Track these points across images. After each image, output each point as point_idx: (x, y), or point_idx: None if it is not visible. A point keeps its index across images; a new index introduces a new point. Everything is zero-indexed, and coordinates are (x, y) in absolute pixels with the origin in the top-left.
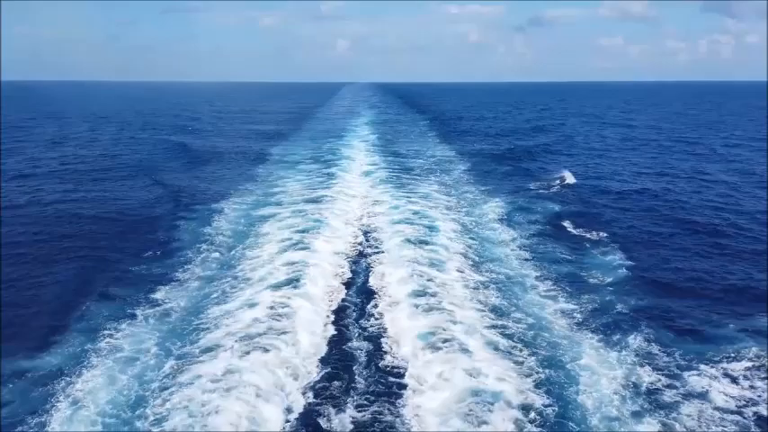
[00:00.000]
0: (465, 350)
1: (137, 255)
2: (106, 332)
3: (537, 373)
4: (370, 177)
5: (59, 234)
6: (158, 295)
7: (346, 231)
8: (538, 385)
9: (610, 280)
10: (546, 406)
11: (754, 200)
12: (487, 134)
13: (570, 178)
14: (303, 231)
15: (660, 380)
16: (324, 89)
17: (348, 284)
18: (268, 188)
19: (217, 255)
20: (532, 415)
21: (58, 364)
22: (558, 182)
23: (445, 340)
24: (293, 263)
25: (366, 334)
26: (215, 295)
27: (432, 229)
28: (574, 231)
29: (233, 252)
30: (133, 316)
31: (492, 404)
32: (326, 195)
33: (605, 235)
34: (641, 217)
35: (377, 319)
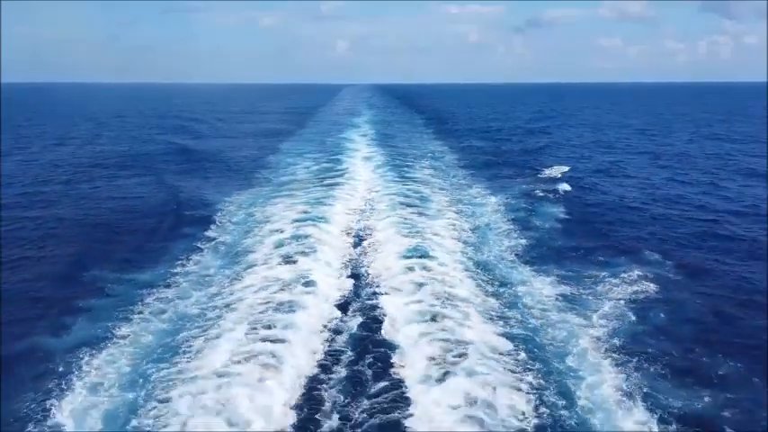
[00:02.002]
0: (441, 264)
1: (176, 222)
2: (176, 266)
3: (494, 287)
4: (373, 164)
5: (117, 212)
6: (211, 233)
7: (353, 199)
8: (493, 294)
9: (549, 225)
10: (497, 304)
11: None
12: (479, 131)
13: (549, 168)
14: (317, 199)
15: (578, 290)
16: (323, 91)
17: (355, 229)
18: (280, 174)
19: (245, 212)
20: (488, 306)
21: (140, 283)
22: (536, 171)
23: (423, 255)
24: (311, 212)
25: (368, 261)
26: (251, 235)
27: (424, 198)
28: (538, 198)
29: (259, 211)
30: (199, 249)
31: (458, 304)
32: (335, 178)
33: (562, 205)
34: (594, 190)
35: (376, 249)
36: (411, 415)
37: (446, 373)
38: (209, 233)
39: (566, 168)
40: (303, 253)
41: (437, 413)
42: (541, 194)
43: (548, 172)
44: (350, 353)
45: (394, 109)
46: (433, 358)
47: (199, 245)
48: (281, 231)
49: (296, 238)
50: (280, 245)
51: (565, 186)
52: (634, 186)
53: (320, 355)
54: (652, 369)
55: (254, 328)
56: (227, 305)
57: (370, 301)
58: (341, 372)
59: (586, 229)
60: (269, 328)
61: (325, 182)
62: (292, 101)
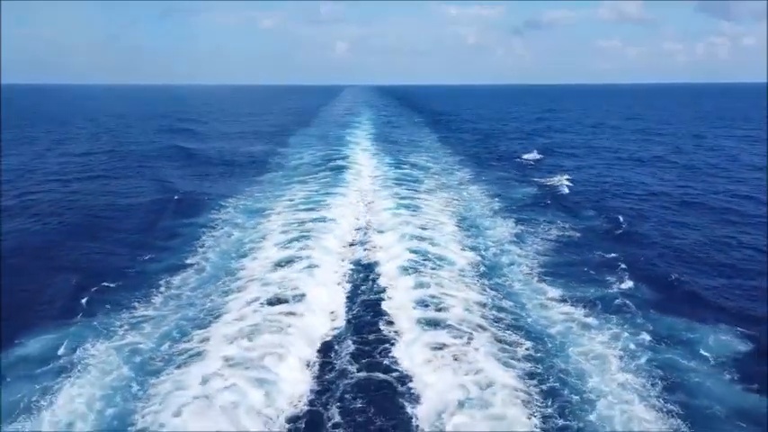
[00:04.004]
0: (428, 213)
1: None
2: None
3: (468, 228)
4: (374, 154)
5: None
6: (234, 205)
7: (357, 181)
8: (467, 234)
9: (519, 194)
10: (468, 235)
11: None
12: (473, 128)
13: (529, 155)
14: (326, 182)
15: (527, 230)
16: (324, 92)
17: (361, 199)
18: (290, 161)
19: (261, 191)
20: (461, 237)
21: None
22: (521, 158)
23: (413, 209)
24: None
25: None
26: (271, 203)
27: (418, 180)
28: (515, 178)
29: (279, 190)
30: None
31: (436, 234)
32: (337, 161)
33: (534, 183)
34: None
35: (375, 209)
36: (389, 300)
37: (416, 272)
38: (234, 204)
39: (541, 156)
40: (321, 209)
41: (405, 299)
42: (518, 174)
43: (527, 157)
44: (357, 270)
45: (393, 109)
46: (411, 266)
47: (226, 213)
48: (292, 201)
49: (312, 203)
50: (297, 208)
51: (555, 179)
52: (597, 170)
53: (339, 274)
54: (564, 271)
55: (289, 246)
56: (260, 247)
57: (370, 240)
58: (347, 285)
59: (545, 198)
60: (299, 243)
61: (331, 166)
62: (294, 102)
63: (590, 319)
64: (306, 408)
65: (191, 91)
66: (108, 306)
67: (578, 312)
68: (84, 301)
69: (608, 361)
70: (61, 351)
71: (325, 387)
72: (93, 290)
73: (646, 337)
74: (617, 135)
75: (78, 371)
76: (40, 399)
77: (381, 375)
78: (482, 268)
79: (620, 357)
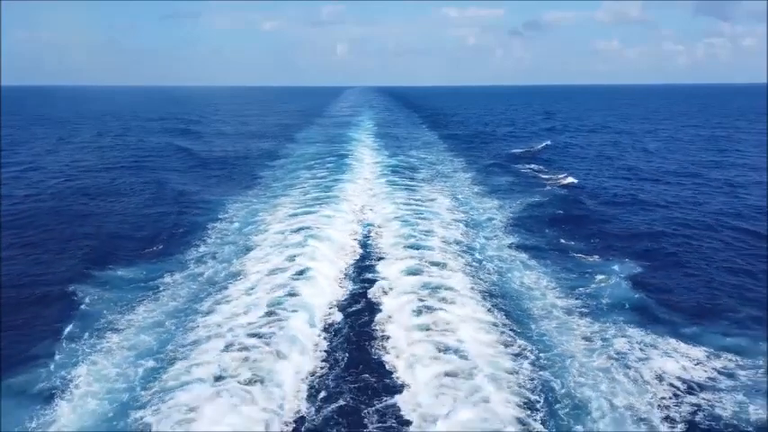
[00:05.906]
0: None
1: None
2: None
3: (458, 200)
4: (374, 148)
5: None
6: (252, 192)
7: (360, 171)
8: (455, 203)
9: (501, 177)
10: (457, 204)
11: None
12: (468, 126)
13: (524, 150)
14: (331, 172)
15: (505, 201)
16: (325, 93)
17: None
18: (294, 156)
19: (274, 183)
20: (452, 207)
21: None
22: (516, 153)
23: (410, 189)
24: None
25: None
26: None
27: (414, 168)
28: (501, 164)
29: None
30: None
31: (428, 202)
32: (340, 151)
33: (513, 168)
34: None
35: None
36: (382, 239)
37: (406, 222)
38: (249, 187)
39: (536, 152)
40: (328, 190)
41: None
42: (510, 167)
43: (520, 152)
44: (360, 220)
45: (393, 109)
46: (402, 217)
47: (241, 194)
48: (303, 188)
49: (321, 188)
50: (307, 192)
51: (544, 170)
52: (584, 164)
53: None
54: (527, 227)
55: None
56: (278, 209)
57: (371, 207)
58: (354, 228)
59: (520, 180)
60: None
61: (335, 156)
62: (295, 103)
63: (533, 262)
64: (330, 311)
65: (191, 93)
66: (179, 245)
67: (521, 255)
68: (162, 244)
69: (545, 288)
70: (143, 277)
71: (337, 297)
72: (154, 237)
73: (573, 268)
74: (608, 133)
75: (154, 293)
76: (124, 308)
77: (370, 286)
78: (463, 223)
79: (554, 288)
